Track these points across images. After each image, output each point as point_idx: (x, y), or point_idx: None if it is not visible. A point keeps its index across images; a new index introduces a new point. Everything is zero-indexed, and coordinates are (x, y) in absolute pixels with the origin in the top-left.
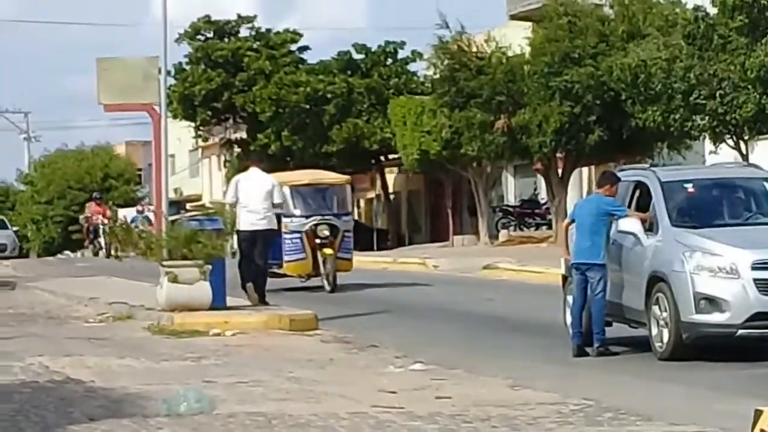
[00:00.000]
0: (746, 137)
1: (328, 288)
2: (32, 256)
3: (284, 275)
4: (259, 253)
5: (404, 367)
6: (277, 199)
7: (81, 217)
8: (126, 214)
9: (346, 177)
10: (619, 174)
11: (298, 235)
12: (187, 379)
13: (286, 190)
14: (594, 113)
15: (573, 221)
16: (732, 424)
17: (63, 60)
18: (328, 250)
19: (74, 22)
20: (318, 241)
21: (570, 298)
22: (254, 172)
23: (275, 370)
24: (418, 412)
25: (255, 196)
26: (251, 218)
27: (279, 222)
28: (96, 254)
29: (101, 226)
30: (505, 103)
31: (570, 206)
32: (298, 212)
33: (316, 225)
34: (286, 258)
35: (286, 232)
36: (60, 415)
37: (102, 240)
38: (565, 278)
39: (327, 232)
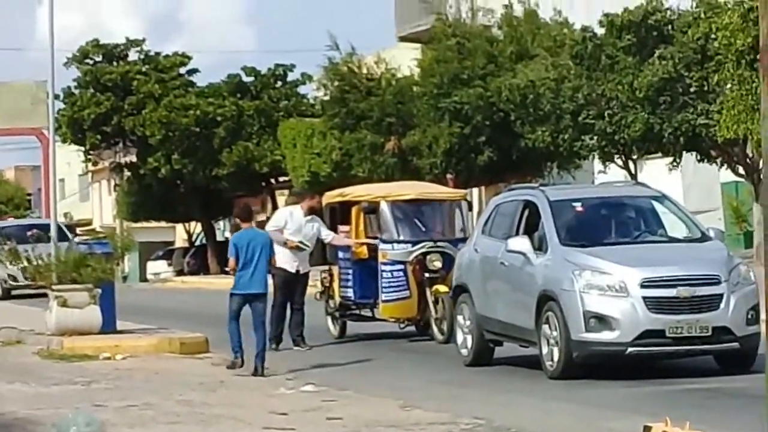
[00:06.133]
0: (635, 156)
1: (440, 337)
2: None
3: (377, 319)
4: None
5: (295, 388)
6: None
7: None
8: None
9: (463, 191)
10: (509, 194)
11: (400, 266)
12: (77, 403)
13: (385, 207)
14: (483, 134)
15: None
16: None
17: None
18: (441, 287)
19: None
20: (427, 275)
21: (461, 318)
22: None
23: (166, 393)
24: None
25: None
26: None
27: (375, 249)
28: None
29: None
30: (395, 124)
31: None
32: (401, 237)
33: (425, 254)
34: (384, 297)
35: (384, 263)
36: None
37: None
38: (455, 297)
39: (439, 264)
